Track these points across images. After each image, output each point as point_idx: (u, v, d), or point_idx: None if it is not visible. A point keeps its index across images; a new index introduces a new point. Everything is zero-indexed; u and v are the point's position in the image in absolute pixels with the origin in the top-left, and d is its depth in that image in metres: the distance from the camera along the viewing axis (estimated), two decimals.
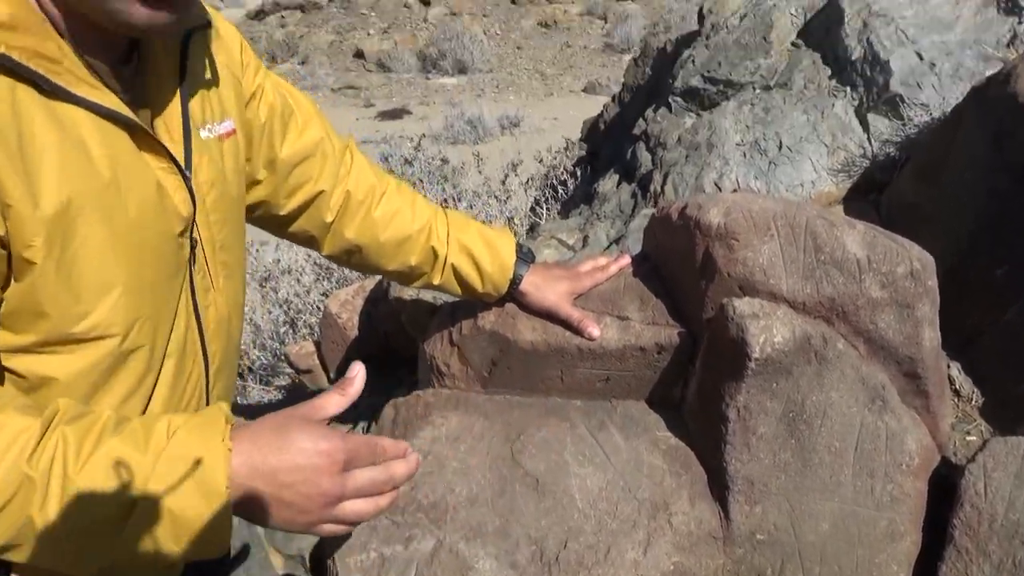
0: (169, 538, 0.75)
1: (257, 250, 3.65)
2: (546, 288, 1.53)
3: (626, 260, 1.62)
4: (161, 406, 0.97)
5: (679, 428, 1.58)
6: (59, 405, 0.78)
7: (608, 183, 2.71)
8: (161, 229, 0.91)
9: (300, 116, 1.26)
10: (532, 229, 3.47)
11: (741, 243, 1.45)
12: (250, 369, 3.47)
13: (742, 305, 1.40)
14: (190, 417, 0.80)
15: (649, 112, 2.67)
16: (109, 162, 0.84)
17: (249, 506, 0.79)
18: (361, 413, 2.50)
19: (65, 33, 0.82)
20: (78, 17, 0.82)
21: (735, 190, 1.99)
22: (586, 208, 2.73)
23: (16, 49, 0.75)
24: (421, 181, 3.69)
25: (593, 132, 3.56)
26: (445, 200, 3.83)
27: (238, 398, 3.55)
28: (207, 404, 1.09)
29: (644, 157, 2.56)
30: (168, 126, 0.95)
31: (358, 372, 0.89)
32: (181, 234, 0.95)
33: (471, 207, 3.48)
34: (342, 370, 2.79)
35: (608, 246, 2.26)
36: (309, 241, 1.40)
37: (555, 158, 3.59)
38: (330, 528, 0.85)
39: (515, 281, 1.52)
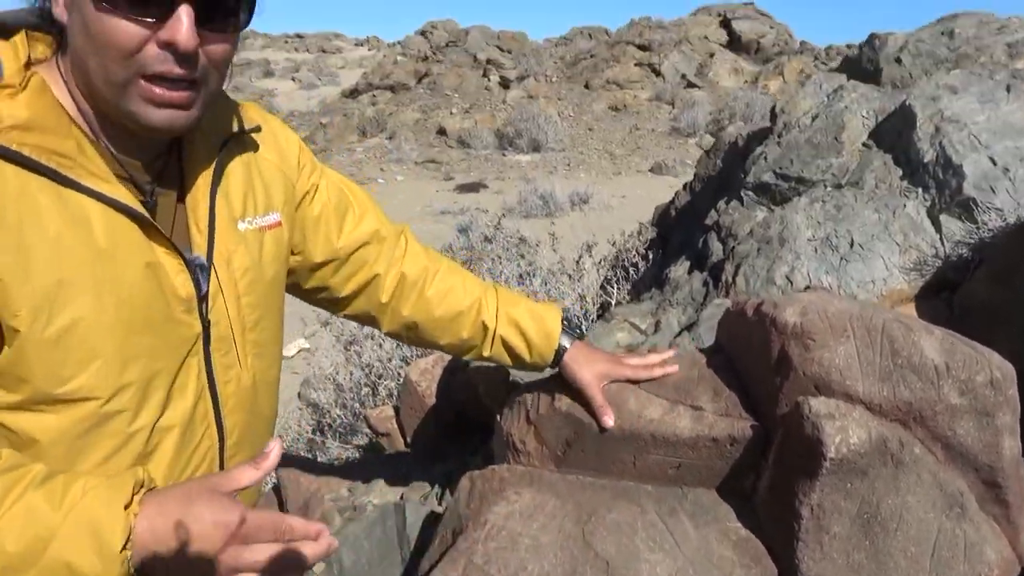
0: None
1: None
2: (584, 365, 1.54)
3: (673, 368, 1.62)
4: (163, 474, 0.99)
5: (750, 520, 1.54)
6: (3, 456, 0.83)
7: (679, 269, 2.71)
8: (155, 306, 0.94)
9: (357, 208, 1.33)
10: (603, 308, 3.47)
11: (817, 343, 1.43)
12: (330, 427, 3.52)
13: (818, 404, 1.37)
14: (106, 480, 0.82)
15: (721, 204, 2.68)
16: (108, 244, 0.89)
17: (153, 567, 0.80)
18: (435, 478, 2.50)
19: (98, 131, 0.91)
20: (107, 120, 0.90)
21: (808, 286, 1.97)
22: (657, 292, 2.72)
23: (29, 146, 0.83)
24: (499, 257, 3.76)
25: (664, 217, 3.58)
26: (521, 276, 3.88)
27: (317, 454, 3.59)
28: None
29: (715, 247, 2.56)
30: (196, 216, 1.02)
31: (274, 448, 0.88)
32: (187, 313, 0.98)
33: (545, 283, 3.52)
34: (419, 436, 2.81)
35: (679, 333, 2.25)
36: (369, 320, 1.45)
37: (628, 240, 3.61)
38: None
39: (559, 352, 1.53)
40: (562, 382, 1.82)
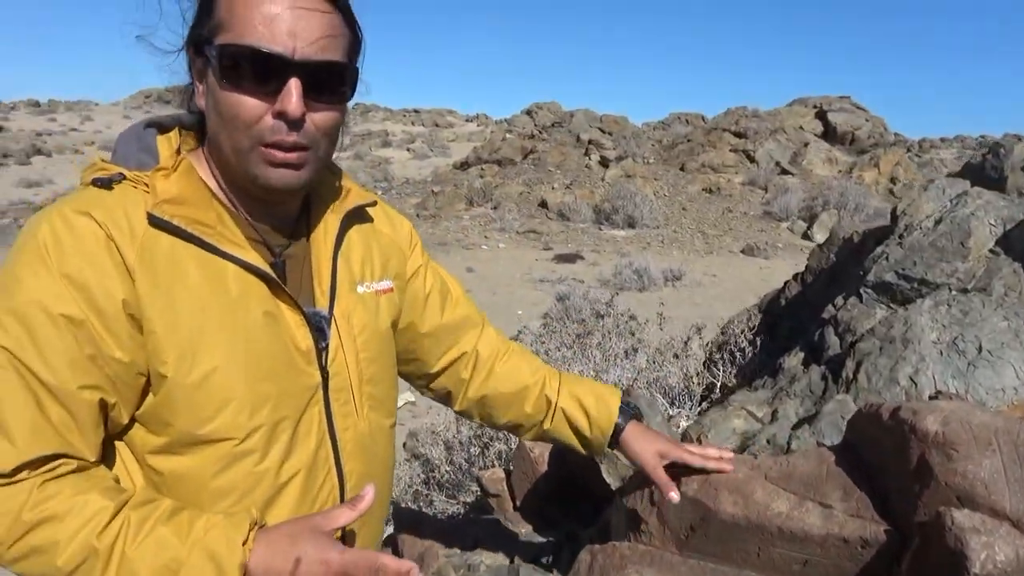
0: None
1: None
2: (644, 443, 1.50)
3: (729, 467, 1.59)
4: (289, 515, 1.01)
5: None
6: (132, 492, 0.91)
7: (793, 360, 2.63)
8: (277, 355, 1.00)
9: (453, 295, 1.39)
10: (708, 389, 3.39)
11: (961, 454, 1.36)
12: (437, 481, 3.53)
13: (962, 517, 1.30)
14: (225, 518, 0.89)
15: (839, 299, 2.60)
16: (239, 299, 0.97)
17: None
18: (543, 547, 2.47)
19: (236, 202, 1.02)
20: (241, 192, 1.01)
21: (938, 391, 1.87)
22: (770, 381, 2.65)
23: (179, 217, 0.94)
24: (609, 333, 3.75)
25: (773, 305, 3.50)
26: (626, 351, 3.85)
27: (422, 506, 3.61)
28: None
29: (832, 341, 2.48)
30: (320, 276, 1.09)
31: (368, 492, 0.95)
32: (307, 363, 1.03)
33: (653, 361, 3.49)
34: (530, 500, 2.79)
35: (797, 424, 2.17)
36: (445, 396, 1.47)
37: (735, 324, 3.54)
38: None
39: (618, 429, 1.48)
40: (684, 467, 1.78)
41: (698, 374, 3.33)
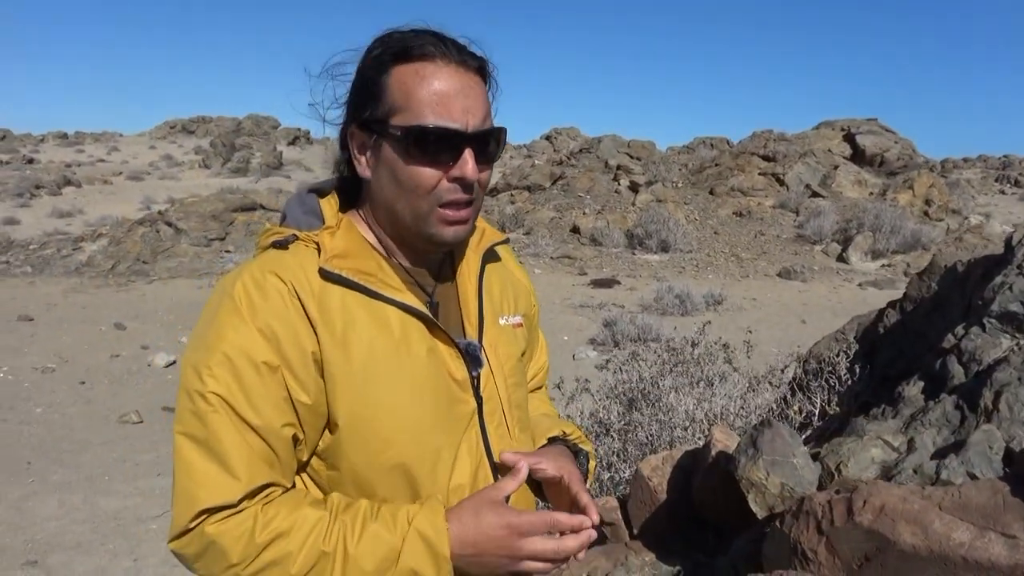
0: None
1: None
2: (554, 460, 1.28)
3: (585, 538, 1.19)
4: None
5: None
6: (333, 499, 1.05)
7: (913, 388, 2.67)
8: (438, 385, 1.11)
9: (541, 342, 1.51)
10: (807, 416, 3.42)
11: None
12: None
13: None
14: (419, 507, 1.03)
15: (959, 329, 2.64)
16: (402, 337, 1.08)
17: (462, 564, 1.02)
18: (676, 573, 2.51)
19: (393, 252, 1.15)
20: (403, 243, 1.14)
21: None
22: (890, 409, 2.68)
23: (346, 269, 1.07)
24: (700, 361, 3.80)
25: (869, 333, 3.53)
26: (710, 379, 3.89)
27: None
28: None
29: (956, 370, 2.52)
30: (467, 312, 1.20)
31: (523, 465, 1.10)
32: (463, 391, 1.14)
33: (753, 389, 3.53)
34: (649, 529, 2.83)
35: (937, 453, 2.21)
36: None
37: (829, 351, 3.57)
38: (520, 571, 1.05)
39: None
40: (859, 494, 1.82)
41: (797, 401, 3.36)
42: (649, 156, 24.65)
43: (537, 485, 1.28)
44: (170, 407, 7.32)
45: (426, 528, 1.00)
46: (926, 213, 19.53)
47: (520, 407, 1.26)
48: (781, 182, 21.35)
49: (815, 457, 2.43)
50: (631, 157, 24.11)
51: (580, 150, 26.67)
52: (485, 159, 1.09)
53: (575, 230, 18.51)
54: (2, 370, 8.59)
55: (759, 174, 21.77)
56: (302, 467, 1.10)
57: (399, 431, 1.07)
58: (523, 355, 1.32)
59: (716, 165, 23.36)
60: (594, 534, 1.10)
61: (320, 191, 1.18)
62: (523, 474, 1.09)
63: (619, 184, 21.72)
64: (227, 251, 16.79)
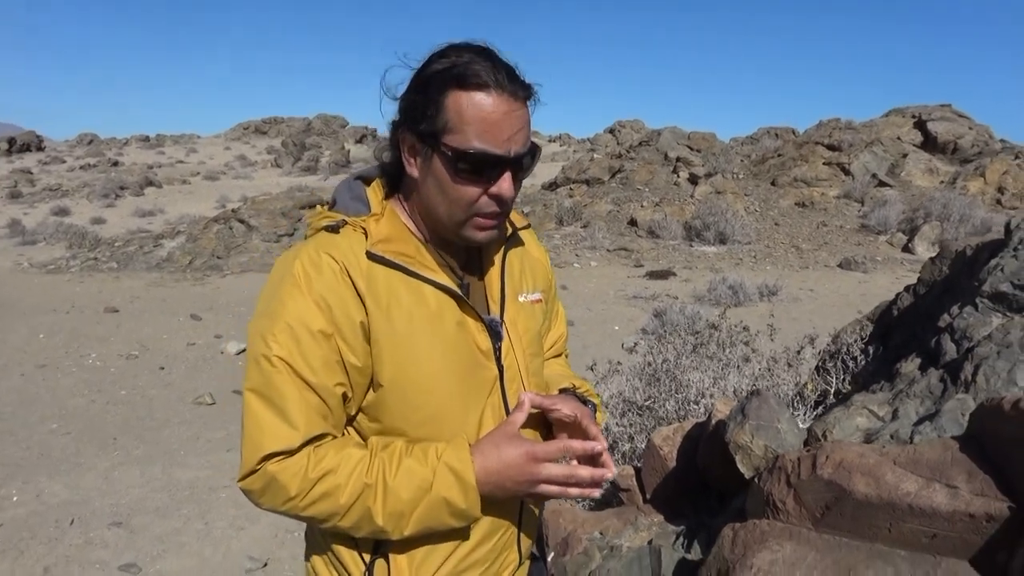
0: (444, 511, 1.19)
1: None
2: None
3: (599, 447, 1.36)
4: None
5: None
6: (372, 440, 1.25)
7: (910, 365, 2.81)
8: (466, 354, 1.28)
9: (560, 314, 1.69)
10: (823, 395, 3.57)
11: None
12: None
13: None
14: (447, 444, 1.21)
15: (954, 308, 2.77)
16: (437, 311, 1.25)
17: (486, 490, 1.20)
18: (677, 533, 2.73)
19: (429, 239, 1.31)
20: (438, 234, 1.30)
21: None
22: (887, 384, 2.83)
23: (390, 252, 1.23)
24: (722, 345, 3.97)
25: (885, 316, 3.65)
26: (730, 360, 4.05)
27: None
28: None
29: (949, 347, 2.65)
30: (491, 291, 1.38)
31: (526, 399, 1.25)
32: (487, 360, 1.31)
33: (770, 370, 3.69)
34: (659, 493, 3.05)
35: (918, 421, 2.36)
36: None
37: (847, 334, 3.70)
38: (539, 494, 1.22)
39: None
40: (823, 451, 2.01)
41: (812, 381, 3.51)
42: (709, 148, 24.41)
43: (548, 431, 1.38)
44: (239, 390, 7.85)
45: (453, 461, 1.18)
46: (999, 201, 18.81)
47: (536, 375, 1.43)
48: (846, 172, 20.87)
49: (810, 428, 2.61)
50: (691, 149, 23.93)
51: (640, 143, 26.58)
52: (520, 176, 1.24)
53: (632, 223, 18.55)
54: (92, 356, 9.32)
55: (823, 164, 21.33)
56: (350, 420, 1.28)
57: (433, 390, 1.25)
58: (542, 325, 1.50)
59: (779, 155, 22.97)
60: (608, 474, 1.25)
61: (366, 178, 1.35)
62: (527, 405, 1.24)
63: (678, 176, 21.61)
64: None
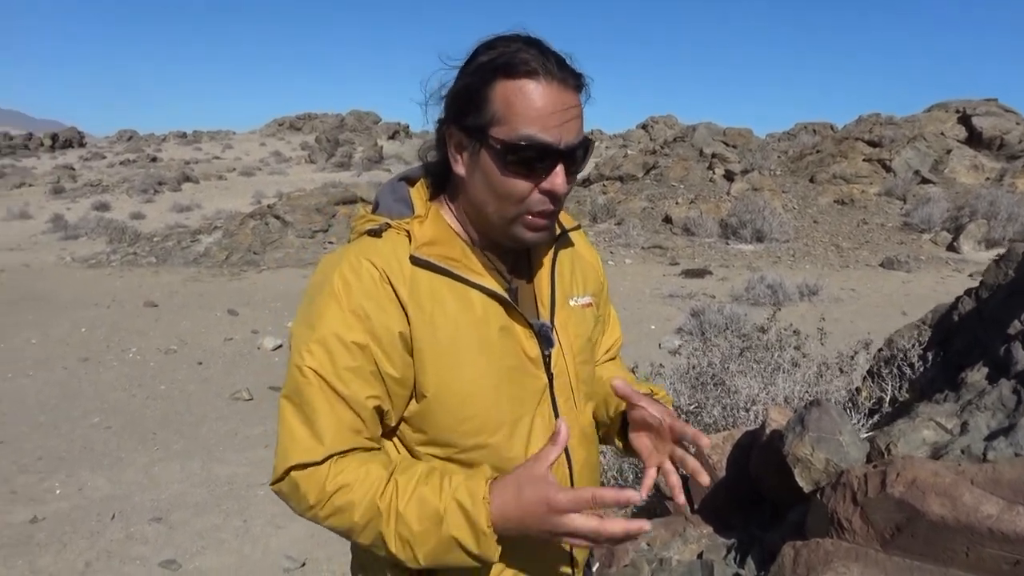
0: (458, 551, 1.09)
1: None
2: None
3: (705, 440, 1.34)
4: None
5: None
6: (398, 460, 1.17)
7: (976, 374, 2.68)
8: (512, 362, 1.22)
9: (613, 317, 1.59)
10: (878, 402, 3.44)
11: None
12: (608, 483, 3.74)
13: None
14: (467, 477, 1.11)
15: None
16: (483, 316, 1.19)
17: (507, 534, 1.08)
18: (728, 546, 2.63)
19: (476, 241, 1.25)
20: (486, 236, 1.24)
21: None
22: (952, 394, 2.70)
23: (434, 256, 1.17)
24: (769, 349, 3.85)
25: (944, 321, 3.50)
26: (779, 365, 3.93)
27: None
28: None
29: (1020, 356, 2.52)
30: (540, 295, 1.30)
31: (562, 427, 1.11)
32: (536, 367, 1.24)
33: (820, 375, 3.57)
34: (708, 504, 2.95)
35: (990, 436, 2.25)
36: None
37: (902, 339, 3.57)
38: (565, 542, 1.12)
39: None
40: (893, 467, 1.91)
41: (866, 387, 3.38)
42: (745, 144, 24.03)
43: (624, 435, 1.36)
44: (276, 386, 7.89)
45: (465, 499, 1.07)
46: None
47: (586, 382, 1.36)
48: (887, 168, 20.39)
49: (872, 440, 2.50)
50: (727, 145, 23.58)
51: (674, 139, 26.28)
52: (573, 170, 1.17)
53: (667, 220, 18.33)
54: (132, 351, 9.45)
55: (863, 160, 20.86)
56: (391, 432, 1.23)
57: (479, 401, 1.19)
58: (593, 331, 1.42)
59: (817, 152, 22.53)
60: (645, 526, 1.10)
61: (410, 179, 1.30)
62: (563, 437, 1.10)
63: (713, 173, 21.31)
64: (330, 242, 17.63)
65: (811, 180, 20.71)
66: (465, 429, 1.20)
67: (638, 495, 1.12)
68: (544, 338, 1.27)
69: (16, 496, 5.32)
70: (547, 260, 1.34)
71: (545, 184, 1.14)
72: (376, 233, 1.21)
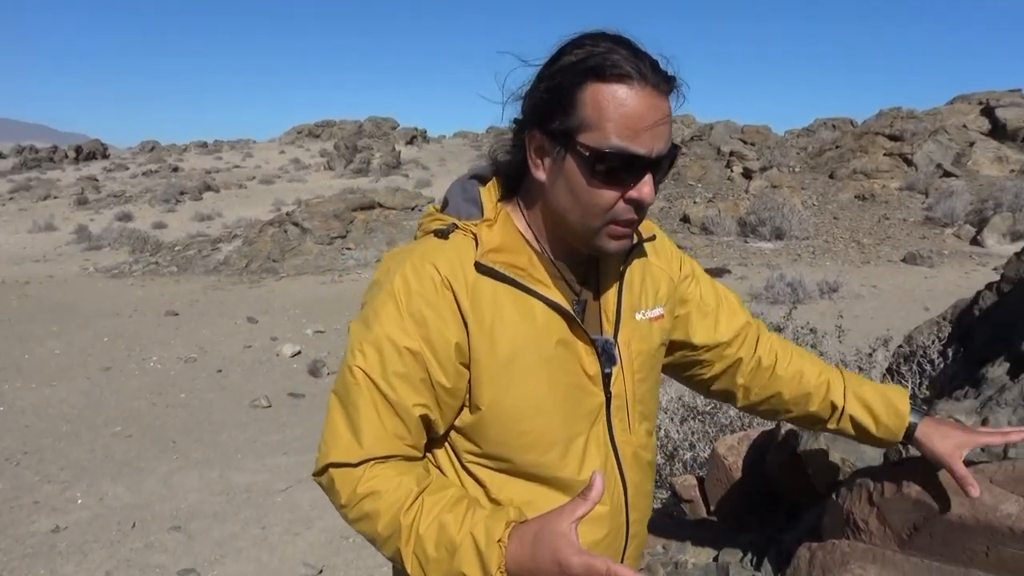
0: None
1: None
2: (940, 438, 1.51)
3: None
4: (590, 521, 1.14)
5: None
6: (433, 477, 1.13)
7: (998, 370, 2.61)
8: (570, 378, 1.17)
9: (726, 305, 1.48)
10: None
11: None
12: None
13: None
14: (488, 514, 1.05)
15: None
16: (545, 328, 1.15)
17: None
18: (743, 546, 2.59)
19: (547, 250, 1.20)
20: (557, 243, 1.19)
21: None
22: (972, 390, 2.64)
23: (499, 263, 1.13)
24: None
25: (965, 315, 3.43)
26: None
27: None
28: (626, 520, 1.30)
29: None
30: (606, 308, 1.24)
31: (598, 481, 0.98)
32: (594, 385, 1.20)
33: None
34: (724, 505, 2.91)
35: None
36: (727, 397, 1.59)
37: (922, 335, 3.50)
38: None
39: (910, 429, 1.54)
40: (908, 467, 1.87)
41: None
42: (764, 141, 23.85)
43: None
44: (295, 393, 7.93)
45: (480, 538, 1.01)
46: None
47: (643, 401, 1.30)
48: (909, 162, 20.13)
49: None
50: (745, 143, 23.41)
51: (692, 138, 26.15)
52: (659, 179, 1.12)
53: (685, 219, 18.22)
54: (153, 359, 9.55)
55: (884, 155, 20.61)
56: (440, 441, 1.20)
57: (534, 417, 1.16)
58: (660, 345, 1.35)
59: (837, 147, 22.29)
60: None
61: (482, 178, 1.24)
62: (596, 491, 0.98)
63: (732, 171, 21.16)
64: (348, 248, 17.72)
65: (831, 176, 20.50)
66: (518, 444, 1.17)
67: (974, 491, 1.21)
68: (607, 356, 1.23)
69: (39, 506, 5.39)
70: (616, 275, 1.27)
71: (633, 193, 1.09)
72: (443, 234, 1.17)
